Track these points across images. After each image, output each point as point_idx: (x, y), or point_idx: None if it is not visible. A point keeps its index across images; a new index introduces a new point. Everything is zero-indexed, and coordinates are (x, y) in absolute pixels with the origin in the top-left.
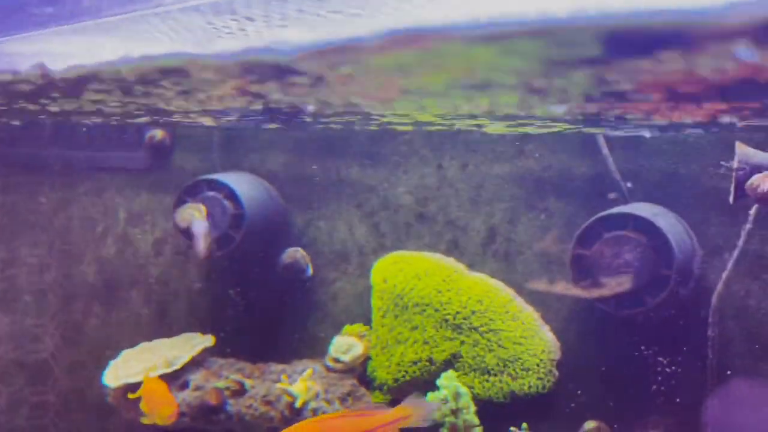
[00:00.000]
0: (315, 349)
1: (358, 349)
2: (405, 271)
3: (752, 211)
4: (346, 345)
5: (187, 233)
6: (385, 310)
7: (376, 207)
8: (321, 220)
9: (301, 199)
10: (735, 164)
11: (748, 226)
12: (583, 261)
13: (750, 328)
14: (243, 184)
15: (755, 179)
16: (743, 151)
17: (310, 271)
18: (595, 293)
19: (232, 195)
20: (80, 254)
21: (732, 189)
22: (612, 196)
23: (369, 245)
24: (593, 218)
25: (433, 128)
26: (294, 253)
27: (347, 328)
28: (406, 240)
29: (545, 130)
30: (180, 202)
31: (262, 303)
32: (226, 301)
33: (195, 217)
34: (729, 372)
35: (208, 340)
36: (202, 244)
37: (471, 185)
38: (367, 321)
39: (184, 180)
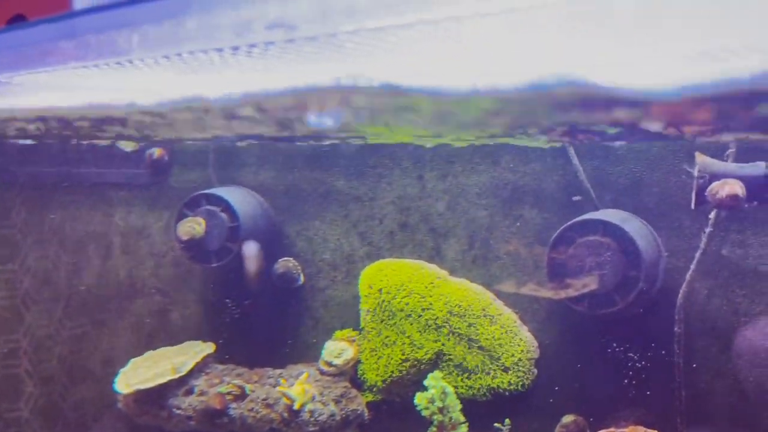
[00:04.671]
0: (308, 354)
1: (349, 353)
2: (390, 278)
3: (711, 216)
4: (338, 349)
5: (188, 245)
6: (372, 315)
7: (362, 217)
8: (310, 231)
9: (291, 211)
10: (696, 172)
11: (708, 229)
12: (558, 265)
13: (712, 324)
14: (238, 197)
15: (714, 186)
16: (703, 160)
17: (302, 279)
18: (570, 295)
19: (228, 208)
20: (85, 267)
21: (693, 195)
22: (576, 198)
23: (356, 254)
24: (566, 224)
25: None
26: (286, 263)
27: (338, 333)
28: (391, 248)
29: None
30: (181, 215)
31: (257, 311)
32: (224, 310)
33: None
34: (694, 365)
35: (210, 347)
36: (254, 264)
37: (450, 195)
38: (357, 326)
39: (183, 195)
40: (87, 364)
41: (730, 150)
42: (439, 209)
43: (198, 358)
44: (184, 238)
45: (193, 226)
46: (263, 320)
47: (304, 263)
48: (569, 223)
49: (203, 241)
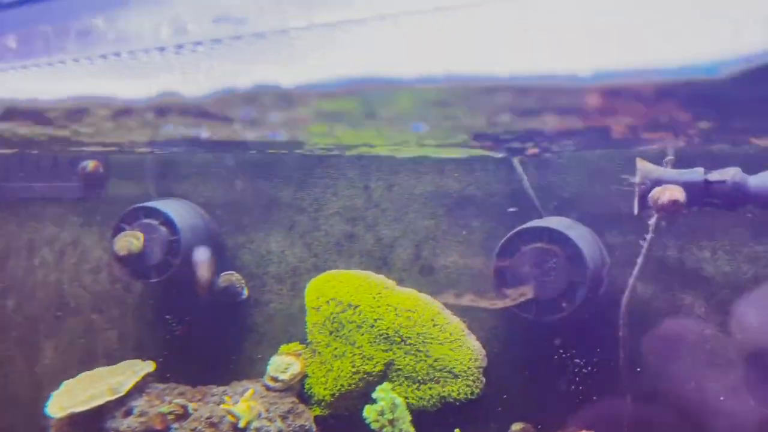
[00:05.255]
0: (253, 369)
1: (296, 367)
2: (338, 290)
3: (652, 222)
4: (284, 364)
5: (125, 261)
6: (320, 328)
7: (308, 228)
8: (254, 243)
9: (234, 223)
10: (638, 179)
11: (649, 235)
12: (505, 272)
13: (654, 327)
14: (178, 210)
15: (656, 192)
16: (644, 166)
17: (246, 293)
18: (517, 302)
19: (168, 221)
20: (15, 285)
21: (636, 202)
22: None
23: (302, 266)
24: (512, 232)
25: (358, 151)
26: (229, 277)
27: (284, 347)
28: (338, 259)
29: (465, 154)
30: (118, 230)
31: (198, 327)
32: (164, 327)
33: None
34: (638, 369)
35: (149, 366)
36: (205, 270)
37: (397, 205)
38: (303, 340)
39: (119, 208)
40: (15, 389)
41: (668, 157)
42: (385, 219)
43: (137, 378)
44: (122, 253)
45: (131, 241)
46: (206, 336)
47: (248, 277)
48: (515, 231)
49: (142, 256)
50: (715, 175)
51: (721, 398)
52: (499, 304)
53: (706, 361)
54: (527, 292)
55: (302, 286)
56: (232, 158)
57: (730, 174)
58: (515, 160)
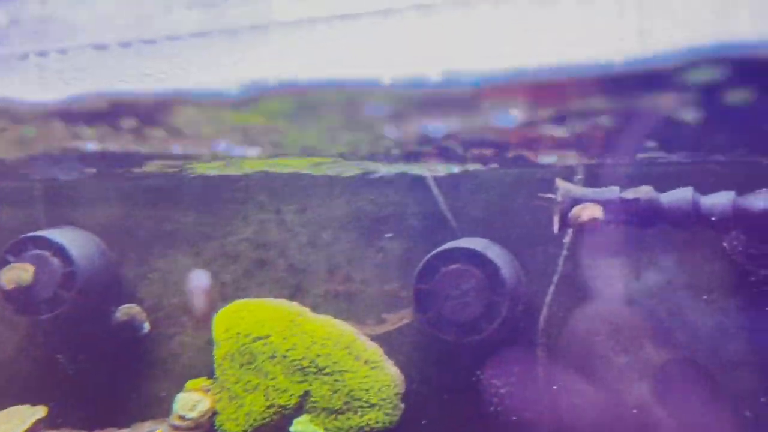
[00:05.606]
0: (158, 408)
1: (205, 404)
2: (248, 320)
3: (566, 240)
4: (192, 401)
5: (12, 296)
6: (230, 360)
7: (215, 255)
8: (156, 273)
9: (134, 252)
10: (558, 198)
11: (564, 253)
12: (424, 295)
13: (571, 345)
14: (71, 239)
15: (576, 210)
16: (564, 185)
17: (147, 327)
18: (437, 324)
19: (60, 252)
20: None
21: (557, 220)
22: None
23: (209, 296)
24: (431, 254)
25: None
26: (128, 310)
27: (190, 383)
28: (248, 287)
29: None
30: (3, 262)
31: (95, 366)
32: (56, 367)
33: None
34: (555, 387)
35: (40, 412)
36: (202, 299)
37: (310, 229)
38: (211, 374)
39: (4, 239)
40: None
41: (578, 177)
42: (298, 244)
43: (26, 426)
44: (8, 287)
45: (19, 274)
46: (103, 375)
47: (150, 309)
48: (434, 252)
49: (31, 290)
50: (629, 194)
51: (634, 412)
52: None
53: (619, 376)
54: (448, 313)
55: (210, 317)
56: (131, 182)
57: (643, 192)
58: (431, 180)
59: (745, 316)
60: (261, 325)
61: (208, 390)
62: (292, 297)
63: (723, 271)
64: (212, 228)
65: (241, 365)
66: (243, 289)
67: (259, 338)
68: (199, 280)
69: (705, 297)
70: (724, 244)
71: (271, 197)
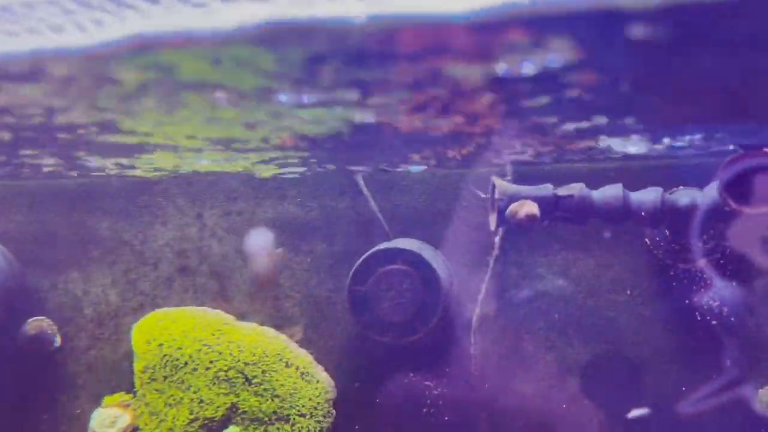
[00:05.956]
0: (72, 427)
1: (125, 419)
2: (170, 330)
3: (497, 239)
4: (110, 417)
5: None
6: (151, 373)
7: (133, 263)
8: (69, 284)
9: (43, 262)
10: (496, 196)
11: (495, 252)
12: (360, 297)
13: (501, 344)
14: None
15: (513, 207)
16: (501, 183)
17: (59, 341)
18: (373, 326)
19: None
20: None
21: (493, 218)
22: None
23: (127, 306)
24: (365, 255)
25: (187, 170)
26: (38, 323)
27: (108, 399)
28: (169, 296)
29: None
30: None
31: (1, 384)
32: None
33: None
34: (487, 386)
35: None
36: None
37: (234, 233)
38: (131, 389)
39: None
40: None
41: (507, 177)
42: (222, 250)
43: None
44: None
45: None
46: (11, 394)
47: (62, 322)
48: (368, 253)
49: None
50: (563, 191)
51: (564, 407)
52: (357, 328)
53: (548, 374)
54: (383, 315)
55: (127, 329)
56: (38, 186)
57: (576, 189)
58: (360, 179)
59: (666, 311)
60: (184, 335)
61: (128, 405)
62: (216, 304)
63: (645, 266)
64: (129, 234)
65: (164, 378)
66: (164, 298)
67: (182, 349)
68: (259, 240)
69: (628, 292)
70: (646, 240)
71: (193, 201)
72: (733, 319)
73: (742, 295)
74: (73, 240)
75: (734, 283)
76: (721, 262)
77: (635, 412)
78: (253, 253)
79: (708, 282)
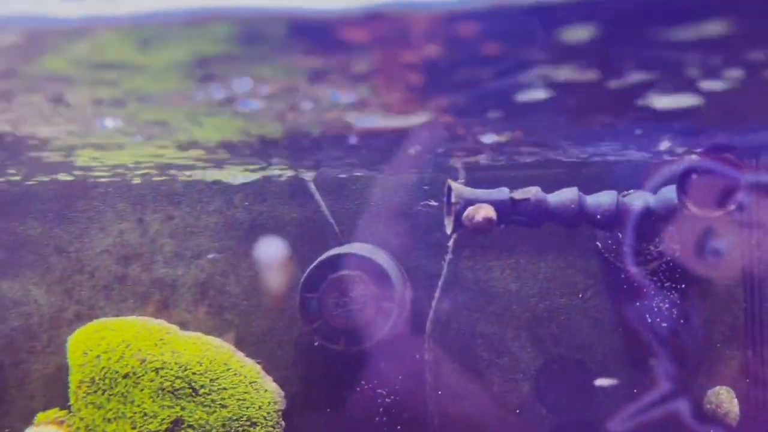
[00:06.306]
0: None
1: None
2: (109, 340)
3: (451, 243)
4: None
5: None
6: (88, 386)
7: (69, 271)
8: None
9: None
10: (453, 199)
11: (448, 256)
12: (311, 304)
13: (453, 348)
14: None
15: (470, 211)
16: (457, 187)
17: None
18: (325, 334)
19: None
20: None
21: (450, 221)
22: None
23: (62, 316)
24: (317, 261)
25: (130, 174)
26: None
27: (41, 416)
28: (108, 305)
29: (255, 176)
30: None
31: None
32: None
33: None
34: (440, 392)
35: None
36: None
37: (177, 239)
38: (66, 404)
39: None
40: None
41: (460, 180)
42: (164, 256)
43: None
44: None
45: None
46: None
47: None
48: (320, 259)
49: None
50: (519, 194)
51: (517, 412)
52: (307, 335)
53: (502, 376)
54: (336, 322)
55: (63, 340)
56: None
57: (531, 192)
58: (312, 185)
59: (617, 313)
60: (124, 346)
61: (63, 422)
62: (158, 314)
63: (597, 269)
64: (65, 240)
65: (103, 391)
66: (101, 308)
67: (122, 360)
68: (270, 250)
69: (580, 295)
70: (597, 243)
71: (134, 205)
72: (665, 327)
73: (678, 303)
74: (3, 246)
75: (673, 290)
76: (666, 266)
77: (601, 381)
78: (265, 266)
79: (654, 286)
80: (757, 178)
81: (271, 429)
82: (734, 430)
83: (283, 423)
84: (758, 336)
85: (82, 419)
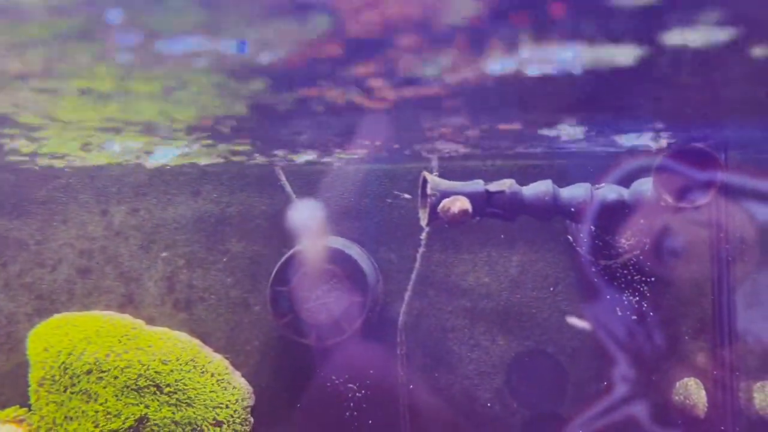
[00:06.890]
0: None
1: None
2: (71, 336)
3: (423, 237)
4: None
5: None
6: (49, 384)
7: (28, 265)
8: None
9: None
10: (428, 191)
11: (421, 249)
12: (283, 298)
13: (425, 343)
14: None
15: (446, 203)
16: (433, 179)
17: None
18: (295, 328)
19: None
20: None
21: (426, 213)
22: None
23: (21, 311)
24: (288, 254)
25: (92, 163)
26: None
27: None
28: (70, 300)
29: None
30: None
31: None
32: None
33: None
34: (411, 386)
35: None
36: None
37: (143, 232)
38: (26, 402)
39: None
40: None
41: (434, 172)
42: (129, 249)
43: None
44: None
45: None
46: None
47: None
48: (291, 252)
49: None
50: (494, 186)
51: (489, 405)
52: (279, 330)
53: (474, 370)
54: (308, 316)
55: (22, 336)
56: None
57: (506, 185)
58: (282, 177)
59: (588, 306)
60: (87, 342)
61: (23, 420)
62: (123, 309)
63: (567, 262)
64: (24, 233)
65: (65, 389)
66: (63, 303)
67: (85, 357)
68: (305, 212)
69: (552, 288)
70: (568, 236)
71: (97, 196)
72: (633, 320)
73: (647, 296)
74: None
75: (642, 283)
76: (636, 259)
77: (575, 321)
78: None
79: (624, 279)
80: (725, 173)
81: (239, 427)
82: (702, 421)
83: (251, 419)
84: (726, 328)
85: (42, 417)
